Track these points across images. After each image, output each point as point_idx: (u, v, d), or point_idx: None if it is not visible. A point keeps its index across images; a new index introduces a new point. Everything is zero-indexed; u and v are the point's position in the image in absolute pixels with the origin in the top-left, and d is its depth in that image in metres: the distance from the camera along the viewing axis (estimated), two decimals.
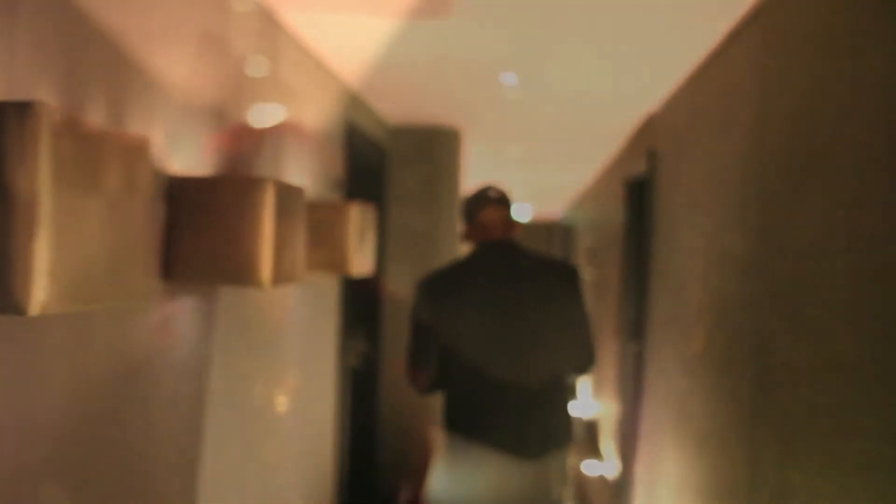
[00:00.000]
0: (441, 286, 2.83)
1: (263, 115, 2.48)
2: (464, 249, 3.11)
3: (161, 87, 1.75)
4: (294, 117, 2.79)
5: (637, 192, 4.46)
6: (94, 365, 1.47)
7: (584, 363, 2.92)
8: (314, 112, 3.21)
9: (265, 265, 1.64)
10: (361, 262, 2.67)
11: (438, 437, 2.81)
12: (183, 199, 1.73)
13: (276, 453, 2.79)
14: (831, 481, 1.66)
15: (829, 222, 1.71)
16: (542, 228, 12.58)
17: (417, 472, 2.85)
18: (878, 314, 1.49)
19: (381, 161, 4.77)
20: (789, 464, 1.87)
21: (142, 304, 1.33)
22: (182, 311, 1.81)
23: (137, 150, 1.22)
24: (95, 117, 1.44)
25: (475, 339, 2.76)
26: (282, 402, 2.72)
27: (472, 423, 2.76)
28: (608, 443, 5.86)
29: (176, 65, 1.83)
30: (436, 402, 3.96)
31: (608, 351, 5.72)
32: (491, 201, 2.87)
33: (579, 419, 7.19)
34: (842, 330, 1.64)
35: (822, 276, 1.74)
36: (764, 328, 2.09)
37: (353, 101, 3.84)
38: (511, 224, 2.88)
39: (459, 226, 2.96)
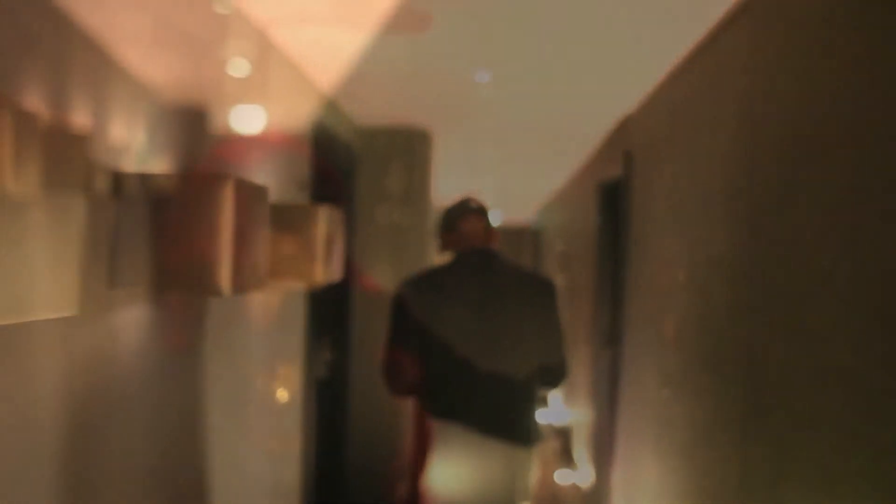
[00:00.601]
0: (422, 289, 2.95)
1: (231, 115, 2.39)
2: (438, 257, 3.29)
3: (120, 80, 1.63)
4: (261, 117, 2.70)
5: (612, 196, 4.40)
6: (29, 381, 1.34)
7: (557, 377, 3.05)
8: (281, 112, 3.12)
9: (224, 271, 1.51)
10: (329, 269, 2.58)
11: (435, 427, 2.88)
12: (136, 199, 1.59)
13: (237, 467, 2.67)
14: (831, 498, 1.57)
15: (827, 223, 1.63)
16: (511, 233, 12.55)
17: (413, 463, 2.87)
18: (880, 319, 1.41)
19: (351, 163, 4.67)
20: (784, 479, 1.79)
21: (82, 316, 1.20)
22: (132, 323, 1.68)
23: (74, 139, 1.08)
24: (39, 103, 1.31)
25: (450, 343, 2.88)
26: (243, 415, 2.60)
27: (444, 420, 2.88)
28: (581, 451, 5.79)
29: (138, 59, 1.73)
30: (408, 409, 3.91)
31: (581, 357, 5.66)
32: (472, 211, 3.03)
33: (550, 426, 7.11)
34: (841, 336, 1.56)
35: (820, 280, 1.66)
36: (754, 335, 2.01)
37: (322, 102, 3.75)
38: (491, 234, 3.03)
39: (435, 232, 3.15)
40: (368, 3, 2.51)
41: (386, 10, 2.54)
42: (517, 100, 4.04)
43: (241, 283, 1.66)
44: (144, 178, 1.62)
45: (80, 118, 1.48)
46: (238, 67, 2.46)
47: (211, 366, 2.26)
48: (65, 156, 1.10)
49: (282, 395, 2.46)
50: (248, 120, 2.55)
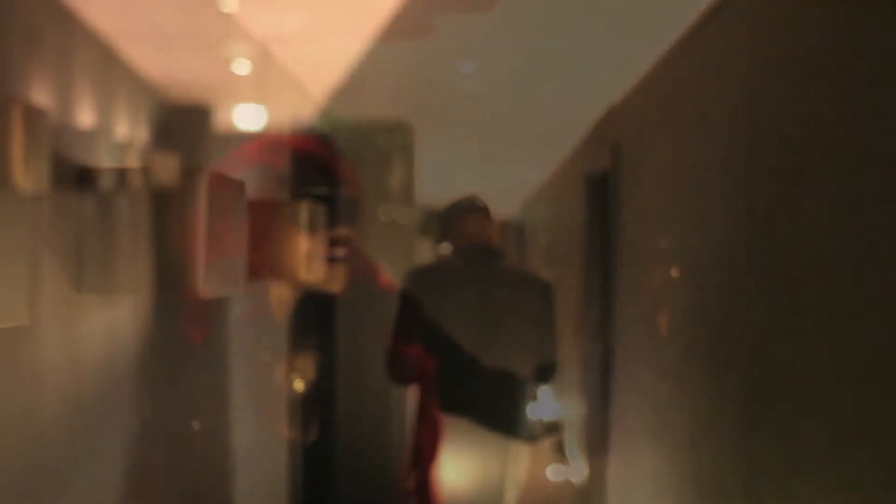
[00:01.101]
0: (426, 282, 3.05)
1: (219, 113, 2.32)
2: (436, 250, 3.36)
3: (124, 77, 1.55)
4: (252, 114, 2.63)
5: (600, 188, 4.34)
6: None
7: (547, 375, 3.18)
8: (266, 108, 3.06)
9: (199, 270, 1.42)
10: (312, 268, 2.49)
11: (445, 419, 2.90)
12: (103, 195, 1.50)
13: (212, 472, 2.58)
14: (845, 493, 1.50)
15: (836, 209, 1.56)
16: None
17: (421, 453, 2.87)
18: (889, 305, 1.35)
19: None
20: (794, 476, 1.72)
21: (35, 324, 1.11)
22: (100, 328, 1.58)
23: (35, 125, 1.00)
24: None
25: (451, 337, 2.98)
26: (222, 425, 2.51)
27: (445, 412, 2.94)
28: (574, 445, 5.74)
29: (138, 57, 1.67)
30: (396, 408, 3.86)
31: (569, 352, 5.62)
32: (475, 209, 3.15)
33: (541, 421, 7.07)
34: (848, 324, 1.50)
35: (825, 267, 1.59)
36: (757, 326, 1.94)
37: (304, 97, 3.69)
38: (492, 233, 3.16)
39: (432, 226, 3.23)
40: (362, 12, 2.48)
41: (382, 18, 2.51)
42: (500, 91, 3.98)
43: (218, 285, 1.58)
44: (110, 172, 1.53)
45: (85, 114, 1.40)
46: (232, 65, 2.40)
47: (184, 374, 2.18)
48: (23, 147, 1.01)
49: (298, 385, 2.40)
50: (240, 117, 2.49)
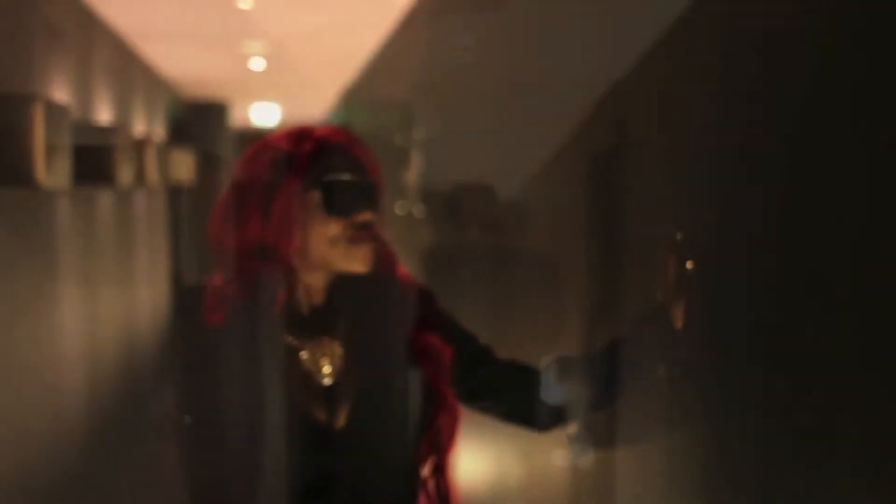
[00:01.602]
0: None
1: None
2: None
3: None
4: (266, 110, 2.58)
5: (604, 168, 4.26)
6: None
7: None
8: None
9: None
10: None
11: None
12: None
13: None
14: (869, 493, 1.43)
15: (867, 190, 1.47)
16: None
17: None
18: None
19: None
20: (814, 470, 1.64)
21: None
22: (118, 318, 1.50)
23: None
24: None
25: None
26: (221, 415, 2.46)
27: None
28: (579, 431, 5.70)
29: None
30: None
31: (573, 336, 5.57)
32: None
33: (547, 406, 7.02)
34: (879, 316, 1.41)
35: (854, 254, 1.50)
36: (783, 308, 1.86)
37: (316, 92, 3.63)
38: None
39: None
40: (368, 13, 2.43)
41: (390, 18, 2.46)
42: (502, 68, 3.91)
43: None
44: (134, 167, 1.45)
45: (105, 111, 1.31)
46: (248, 62, 2.35)
47: (207, 359, 2.13)
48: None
49: (326, 370, 2.41)
50: (256, 113, 2.43)
